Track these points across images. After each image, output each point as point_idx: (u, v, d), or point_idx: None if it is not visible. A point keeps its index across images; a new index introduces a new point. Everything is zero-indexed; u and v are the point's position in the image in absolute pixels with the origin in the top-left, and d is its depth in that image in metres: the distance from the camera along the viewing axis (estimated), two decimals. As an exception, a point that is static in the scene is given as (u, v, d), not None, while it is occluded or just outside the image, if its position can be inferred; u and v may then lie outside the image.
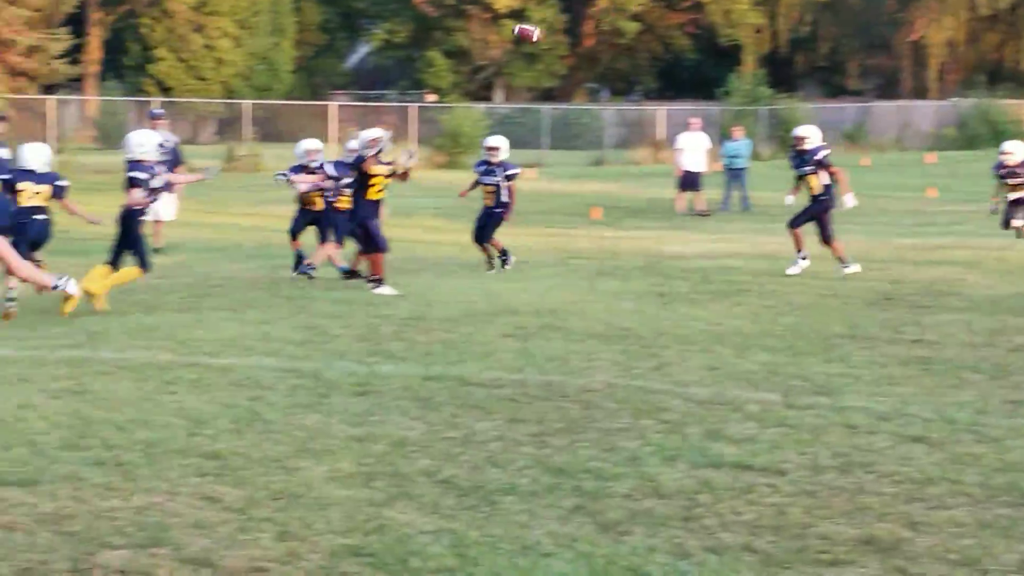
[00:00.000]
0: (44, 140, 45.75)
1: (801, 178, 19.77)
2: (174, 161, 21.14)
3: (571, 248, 23.47)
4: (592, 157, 57.77)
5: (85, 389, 11.07)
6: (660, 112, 64.05)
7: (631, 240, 25.21)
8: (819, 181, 19.47)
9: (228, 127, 60.63)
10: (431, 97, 74.01)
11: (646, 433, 9.80)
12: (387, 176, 17.58)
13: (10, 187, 15.82)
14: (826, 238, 19.45)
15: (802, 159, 19.67)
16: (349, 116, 61.20)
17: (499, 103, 78.12)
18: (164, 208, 21.46)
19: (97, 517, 7.64)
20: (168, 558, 6.97)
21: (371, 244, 17.51)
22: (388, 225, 23.00)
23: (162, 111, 22.90)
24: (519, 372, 12.03)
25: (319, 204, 18.96)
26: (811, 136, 19.79)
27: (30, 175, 15.99)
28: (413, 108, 59.34)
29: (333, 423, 9.96)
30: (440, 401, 10.78)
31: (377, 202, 17.65)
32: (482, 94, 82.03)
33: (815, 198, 19.58)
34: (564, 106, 69.78)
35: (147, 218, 19.81)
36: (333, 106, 59.30)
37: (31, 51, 48.17)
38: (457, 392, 11.14)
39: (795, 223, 19.71)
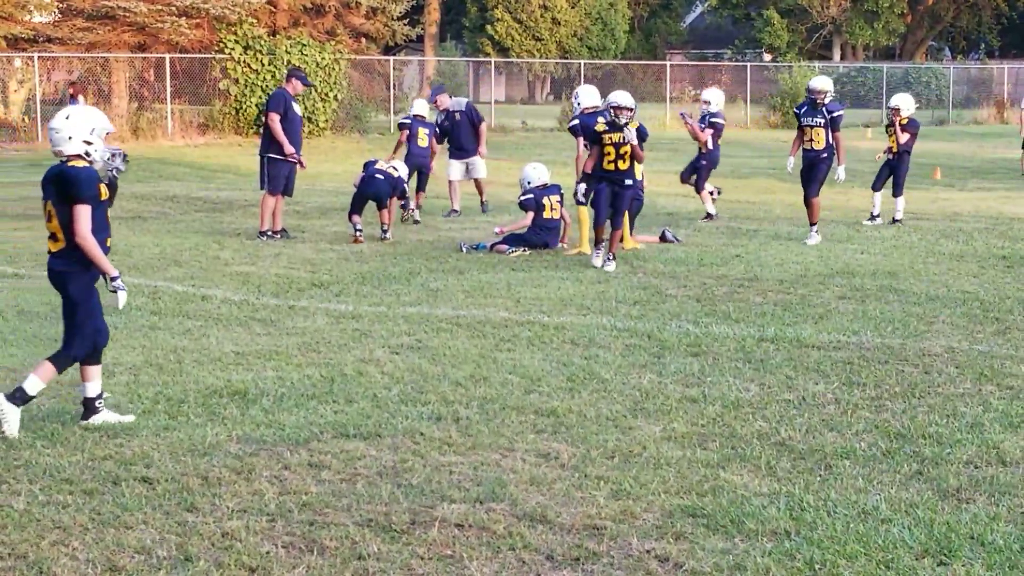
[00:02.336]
0: (387, 100, 47.33)
1: (807, 128, 18.58)
2: (468, 125, 21.61)
3: (911, 209, 22.85)
4: (934, 116, 56.23)
5: (424, 345, 11.35)
6: (1004, 70, 61.78)
7: (973, 201, 24.40)
8: (824, 137, 18.39)
9: (563, 87, 61.17)
10: (767, 57, 73.13)
11: (988, 399, 9.50)
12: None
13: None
14: (815, 192, 18.54)
15: (815, 112, 18.48)
16: (684, 75, 61.11)
17: (837, 62, 76.64)
18: (479, 167, 21.88)
19: (436, 471, 7.83)
20: (505, 513, 7.09)
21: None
22: (727, 186, 22.88)
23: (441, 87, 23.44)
24: (856, 334, 11.81)
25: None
26: (830, 91, 18.67)
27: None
28: (749, 67, 58.72)
29: (667, 383, 9.96)
30: (775, 363, 10.67)
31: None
32: (819, 53, 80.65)
33: (817, 153, 18.49)
34: (904, 64, 68.03)
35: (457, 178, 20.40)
36: (668, 66, 59.14)
37: (373, 13, 49.52)
38: (792, 354, 11.01)
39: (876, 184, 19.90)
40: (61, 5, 42.47)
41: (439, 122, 21.81)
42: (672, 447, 8.31)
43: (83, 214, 8.64)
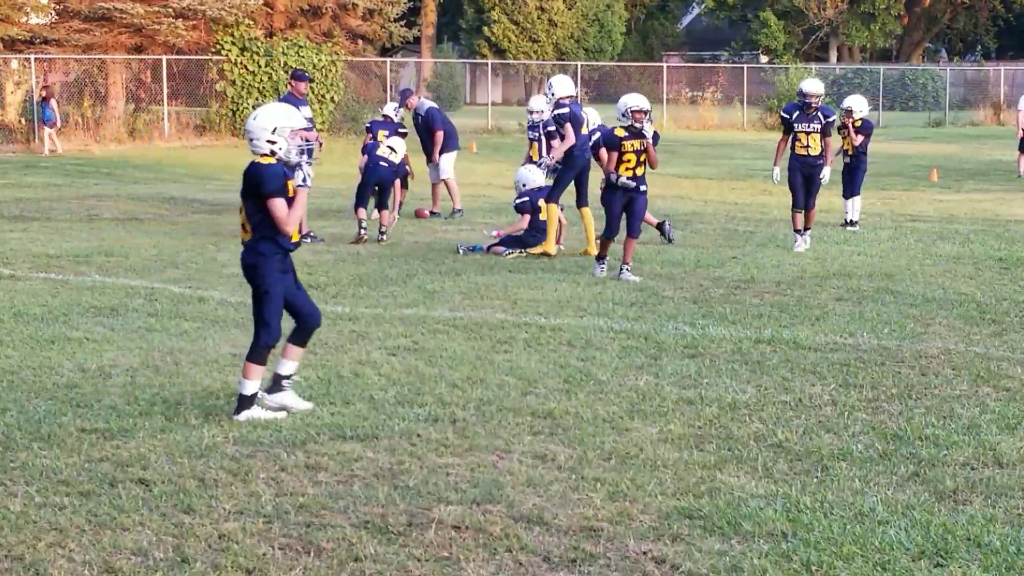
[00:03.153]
0: (383, 102, 47.40)
1: (803, 134, 17.82)
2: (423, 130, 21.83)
3: (908, 211, 22.87)
4: (931, 118, 56.27)
5: (420, 347, 11.35)
6: (1000, 72, 61.85)
7: (970, 203, 24.42)
8: (819, 142, 17.75)
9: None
10: (763, 59, 73.23)
11: (985, 401, 9.52)
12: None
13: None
14: (813, 203, 17.94)
15: (809, 117, 17.77)
16: (681, 77, 61.17)
17: (833, 64, 76.71)
18: (432, 172, 22.03)
19: (432, 472, 7.83)
20: (501, 515, 7.09)
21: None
22: (724, 188, 22.88)
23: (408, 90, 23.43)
24: (852, 336, 11.82)
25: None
26: (822, 95, 18.04)
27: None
28: (746, 69, 58.78)
29: (664, 385, 9.97)
30: (772, 364, 10.68)
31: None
32: (816, 55, 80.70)
33: (814, 159, 17.81)
34: (900, 66, 68.10)
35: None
36: (664, 67, 59.18)
37: (369, 14, 49.58)
38: (789, 356, 11.01)
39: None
40: (58, 6, 42.47)
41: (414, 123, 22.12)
42: (669, 449, 8.32)
43: (276, 206, 8.99)
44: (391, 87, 48.37)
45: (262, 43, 41.96)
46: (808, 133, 17.80)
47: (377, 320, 12.56)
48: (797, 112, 17.94)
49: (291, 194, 9.11)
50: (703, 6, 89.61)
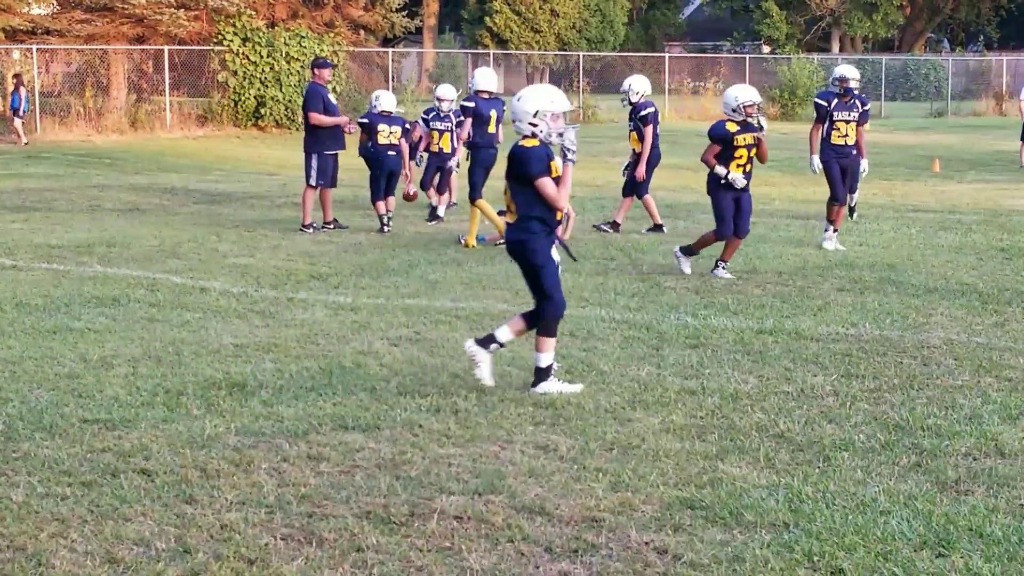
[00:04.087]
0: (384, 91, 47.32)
1: (841, 123, 17.04)
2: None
3: (910, 201, 22.85)
4: (933, 108, 56.23)
5: (422, 337, 11.34)
6: (1003, 62, 61.78)
7: (972, 193, 24.40)
8: (854, 131, 16.99)
9: (562, 79, 61.15)
10: (765, 49, 73.17)
11: (987, 391, 9.51)
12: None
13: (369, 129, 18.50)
14: (853, 190, 17.36)
15: (847, 105, 16.99)
16: (683, 67, 61.13)
17: (836, 54, 76.61)
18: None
19: (434, 463, 7.83)
20: (503, 505, 7.09)
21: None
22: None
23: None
24: (854, 326, 11.81)
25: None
26: (859, 81, 17.30)
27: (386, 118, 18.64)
28: (748, 59, 58.72)
29: (666, 375, 9.96)
30: (773, 355, 10.67)
31: None
32: (818, 45, 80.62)
33: (850, 149, 17.11)
34: (903, 56, 68.03)
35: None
36: (667, 58, 59.13)
37: (371, 4, 49.59)
38: (791, 346, 11.01)
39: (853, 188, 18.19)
40: (59, -3, 42.48)
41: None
42: (671, 439, 8.31)
43: (545, 186, 9.36)
44: (393, 77, 48.33)
45: (264, 33, 41.92)
46: (847, 122, 17.00)
47: (379, 310, 12.56)
48: (835, 100, 17.17)
49: (556, 173, 9.40)
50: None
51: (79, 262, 15.42)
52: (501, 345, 9.68)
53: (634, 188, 18.45)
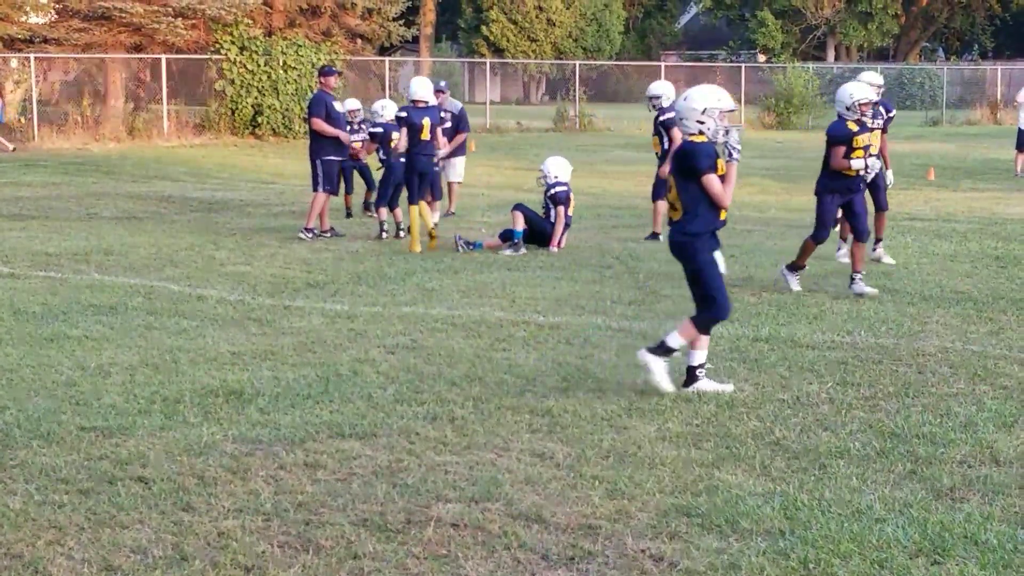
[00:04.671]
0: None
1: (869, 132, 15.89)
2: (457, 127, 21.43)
3: (905, 209, 22.88)
4: (928, 117, 56.28)
5: (419, 345, 11.36)
6: (997, 71, 61.87)
7: (967, 202, 24.43)
8: (879, 140, 15.82)
9: (558, 87, 61.23)
10: (761, 58, 73.26)
11: (982, 399, 9.53)
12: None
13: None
14: (886, 205, 16.53)
15: (872, 111, 15.46)
16: (679, 76, 61.14)
17: (831, 63, 76.72)
18: (454, 171, 21.75)
19: (431, 470, 7.84)
20: (500, 513, 7.10)
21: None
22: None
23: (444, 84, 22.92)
24: (850, 334, 11.83)
25: None
26: (881, 86, 16.57)
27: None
28: (743, 68, 58.79)
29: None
30: (769, 362, 10.69)
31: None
32: (813, 54, 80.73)
33: (876, 158, 15.12)
34: (898, 65, 68.13)
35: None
36: (662, 66, 59.19)
37: (368, 13, 49.66)
38: (787, 354, 11.03)
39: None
40: (57, 6, 42.45)
41: None
42: (667, 447, 8.33)
43: (711, 183, 9.53)
44: (389, 86, 48.35)
45: (261, 42, 41.93)
46: (872, 130, 15.69)
47: (376, 318, 12.57)
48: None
49: (722, 172, 9.56)
50: (701, 5, 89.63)
51: (76, 270, 15.43)
52: (674, 351, 9.75)
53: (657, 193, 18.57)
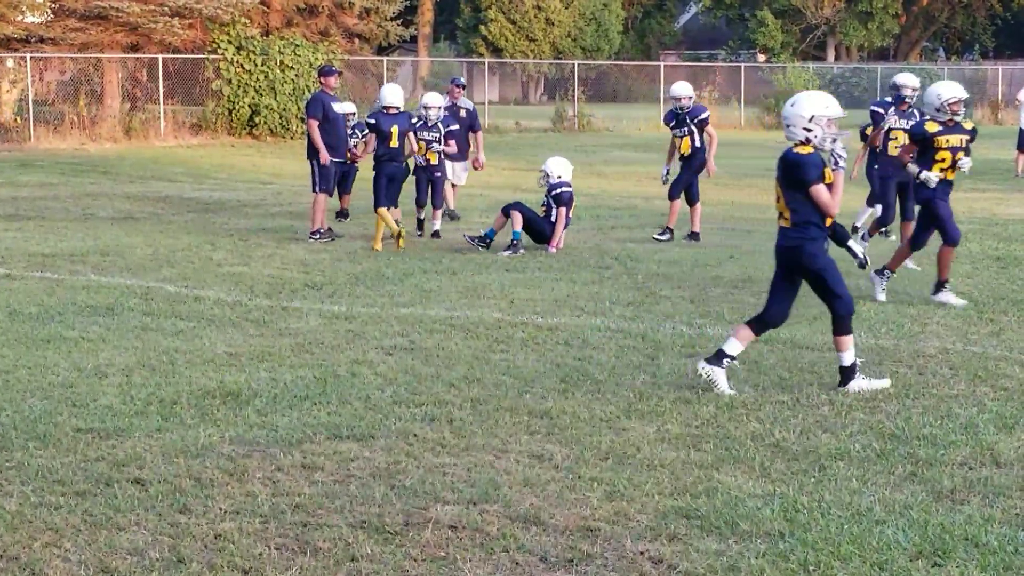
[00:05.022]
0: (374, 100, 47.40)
1: (899, 133, 16.27)
2: (469, 127, 21.31)
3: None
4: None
5: (417, 346, 11.33)
6: (998, 71, 61.91)
7: (967, 202, 24.37)
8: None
9: (557, 87, 61.22)
10: (760, 57, 73.28)
11: (983, 400, 9.51)
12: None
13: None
14: (914, 215, 15.33)
15: (905, 112, 16.24)
16: (678, 76, 61.14)
17: (831, 63, 76.75)
18: (457, 174, 21.61)
19: (429, 472, 7.81)
20: (498, 515, 7.07)
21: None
22: (719, 185, 22.88)
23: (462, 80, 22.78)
24: (850, 336, 11.78)
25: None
26: (916, 88, 16.40)
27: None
28: (743, 68, 58.80)
29: (661, 384, 9.95)
30: (769, 364, 10.67)
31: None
32: (813, 53, 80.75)
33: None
34: (898, 65, 68.07)
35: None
36: (662, 66, 59.19)
37: (366, 13, 49.68)
38: (786, 355, 11.01)
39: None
40: (54, 5, 42.39)
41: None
42: (666, 448, 8.30)
43: (820, 193, 9.50)
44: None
45: (258, 42, 41.88)
46: (905, 131, 15.66)
47: (374, 319, 12.54)
48: (892, 108, 16.58)
49: (829, 180, 9.53)
50: (700, 5, 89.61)
51: (73, 271, 15.40)
52: (732, 358, 9.80)
53: (692, 194, 18.76)
